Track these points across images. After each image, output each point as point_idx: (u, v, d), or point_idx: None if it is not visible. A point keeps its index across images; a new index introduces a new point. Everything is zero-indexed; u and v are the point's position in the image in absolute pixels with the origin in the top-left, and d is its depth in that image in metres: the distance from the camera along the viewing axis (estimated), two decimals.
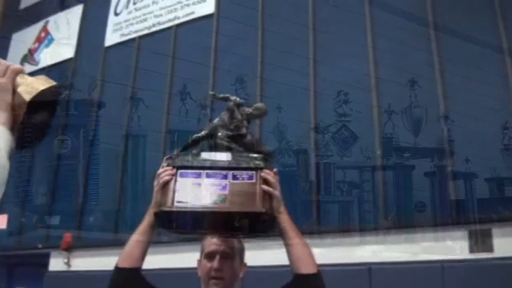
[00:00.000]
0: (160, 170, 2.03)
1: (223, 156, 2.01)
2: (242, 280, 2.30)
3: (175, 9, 5.53)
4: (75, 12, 6.56)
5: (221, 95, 2.17)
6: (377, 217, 5.39)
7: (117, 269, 2.10)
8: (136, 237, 2.08)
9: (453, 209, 4.84)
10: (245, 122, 2.11)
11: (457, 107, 5.17)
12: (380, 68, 5.55)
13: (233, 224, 2.03)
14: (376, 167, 5.50)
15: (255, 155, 2.05)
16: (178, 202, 1.95)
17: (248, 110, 2.14)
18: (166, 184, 1.97)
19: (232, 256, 2.24)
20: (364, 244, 4.97)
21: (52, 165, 6.84)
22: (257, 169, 2.00)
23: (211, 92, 1.98)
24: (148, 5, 5.80)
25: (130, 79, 6.11)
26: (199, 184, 1.95)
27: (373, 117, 5.40)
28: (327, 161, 5.75)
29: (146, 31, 5.78)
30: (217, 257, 2.20)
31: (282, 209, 2.06)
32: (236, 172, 1.98)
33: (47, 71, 6.33)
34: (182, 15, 5.51)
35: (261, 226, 2.06)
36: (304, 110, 5.75)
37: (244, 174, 1.98)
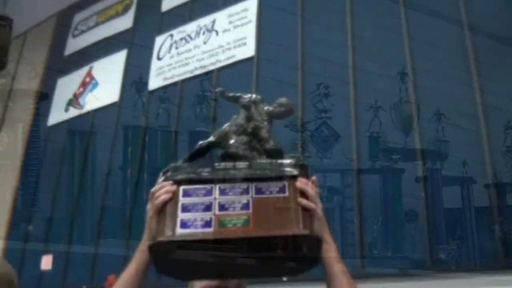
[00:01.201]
0: (156, 187, 1.49)
1: (242, 164, 1.51)
2: None
3: (217, 53, 5.67)
4: (119, 57, 6.74)
5: (231, 94, 1.67)
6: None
7: None
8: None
9: None
10: (266, 123, 1.58)
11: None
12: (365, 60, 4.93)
13: (262, 257, 1.47)
14: (361, 171, 4.90)
15: (284, 160, 1.53)
16: (183, 229, 1.43)
17: (269, 108, 1.63)
18: (164, 206, 1.45)
19: None
20: None
21: None
22: (289, 177, 1.47)
23: (218, 89, 1.65)
24: (190, 50, 5.97)
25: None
26: (211, 203, 1.45)
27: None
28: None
29: (188, 75, 5.89)
30: None
31: (327, 235, 1.48)
32: (260, 184, 1.47)
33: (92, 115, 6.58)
34: (224, 59, 5.60)
35: (301, 258, 1.48)
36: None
37: (272, 185, 1.47)
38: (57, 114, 6.91)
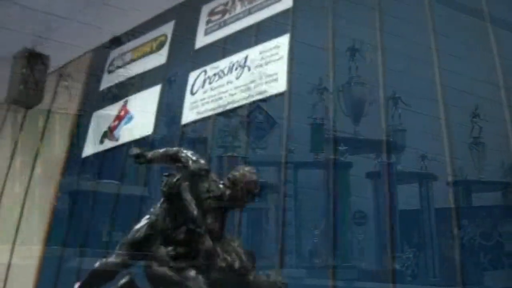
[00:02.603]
0: None
1: None
2: None
3: (249, 88, 5.73)
4: (154, 92, 7.00)
5: (150, 153, 1.59)
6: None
7: None
8: None
9: None
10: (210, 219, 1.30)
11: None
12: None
13: None
14: (301, 164, 4.41)
15: None
16: None
17: (216, 181, 1.45)
18: None
19: None
20: None
21: None
22: None
23: (133, 152, 1.13)
24: (223, 85, 6.05)
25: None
26: None
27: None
28: (233, 154, 4.76)
29: (221, 109, 5.93)
30: None
31: None
32: None
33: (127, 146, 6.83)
34: (255, 94, 5.58)
35: None
36: None
37: None
38: (92, 146, 7.27)
